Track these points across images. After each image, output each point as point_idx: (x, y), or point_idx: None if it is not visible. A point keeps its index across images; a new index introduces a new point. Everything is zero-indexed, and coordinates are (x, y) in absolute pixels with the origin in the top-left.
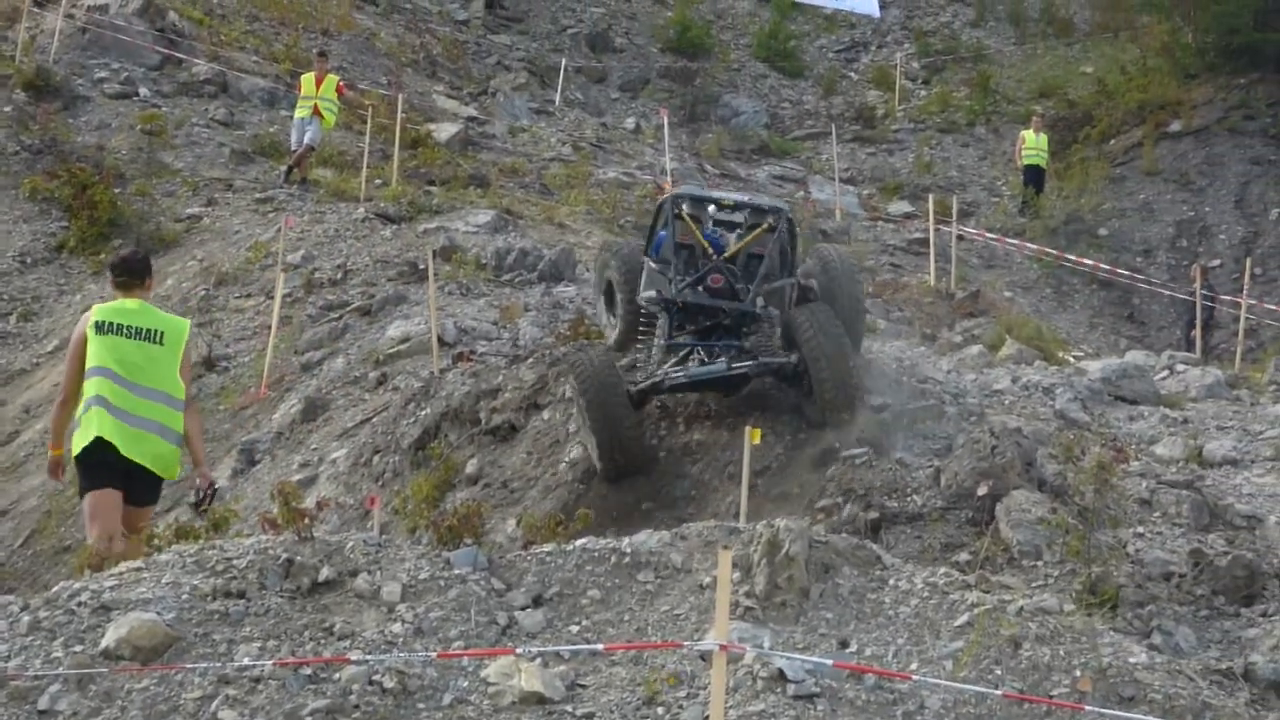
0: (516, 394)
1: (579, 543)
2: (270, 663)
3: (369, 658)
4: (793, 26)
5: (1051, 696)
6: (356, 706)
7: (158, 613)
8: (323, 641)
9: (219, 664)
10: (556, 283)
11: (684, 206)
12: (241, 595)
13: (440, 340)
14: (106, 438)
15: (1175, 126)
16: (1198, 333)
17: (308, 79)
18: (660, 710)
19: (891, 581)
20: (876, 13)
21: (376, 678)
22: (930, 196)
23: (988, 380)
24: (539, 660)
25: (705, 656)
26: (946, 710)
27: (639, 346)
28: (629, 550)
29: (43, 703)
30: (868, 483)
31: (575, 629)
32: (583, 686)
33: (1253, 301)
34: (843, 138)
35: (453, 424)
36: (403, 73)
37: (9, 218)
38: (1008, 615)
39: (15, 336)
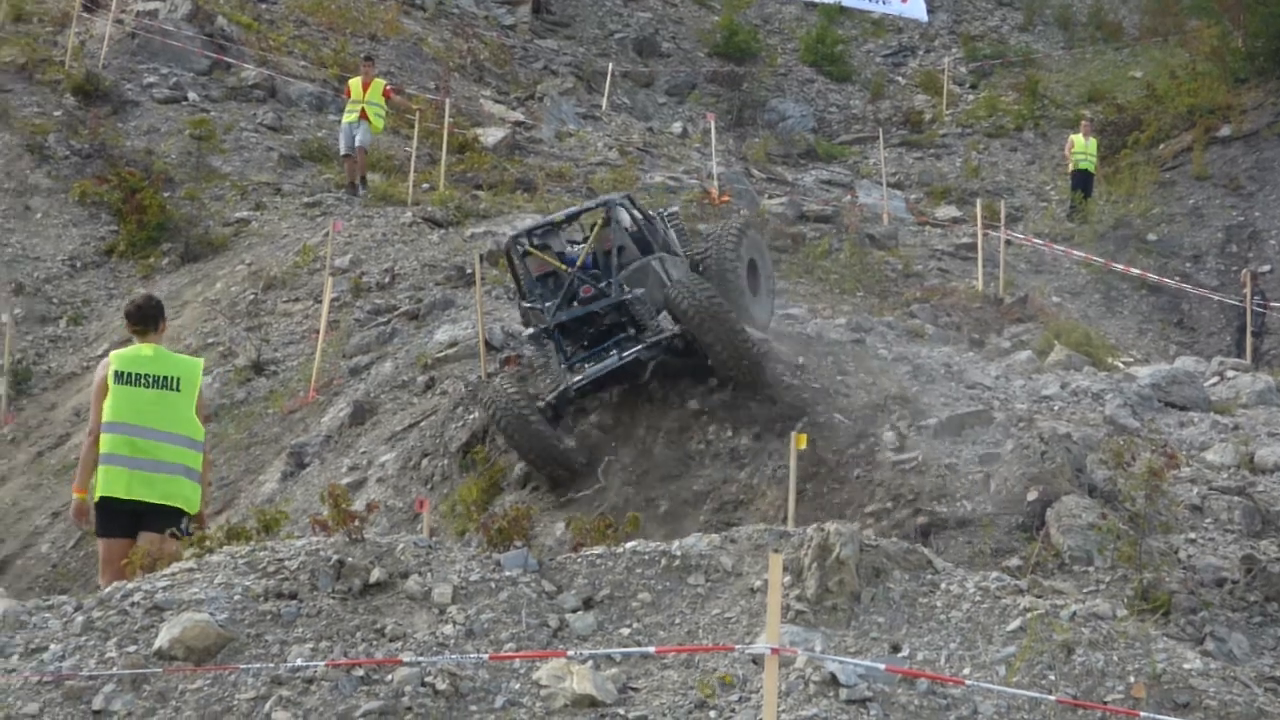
0: None
1: (629, 545)
2: (323, 664)
3: (421, 659)
4: (840, 31)
5: (1105, 702)
6: (409, 708)
7: (210, 613)
8: (375, 643)
9: (272, 665)
10: None
11: (524, 243)
12: (293, 596)
13: (487, 344)
14: (120, 496)
15: (1225, 131)
16: (1247, 338)
17: (355, 83)
18: (712, 714)
19: (943, 586)
20: (924, 17)
21: (429, 679)
22: (978, 201)
23: (1036, 386)
24: (590, 663)
25: (757, 660)
26: (1000, 716)
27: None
28: (679, 553)
29: (97, 703)
30: (917, 488)
31: (626, 631)
32: (634, 689)
33: None
34: (890, 142)
35: None
36: (450, 77)
37: (59, 222)
38: (1060, 620)
39: (65, 340)
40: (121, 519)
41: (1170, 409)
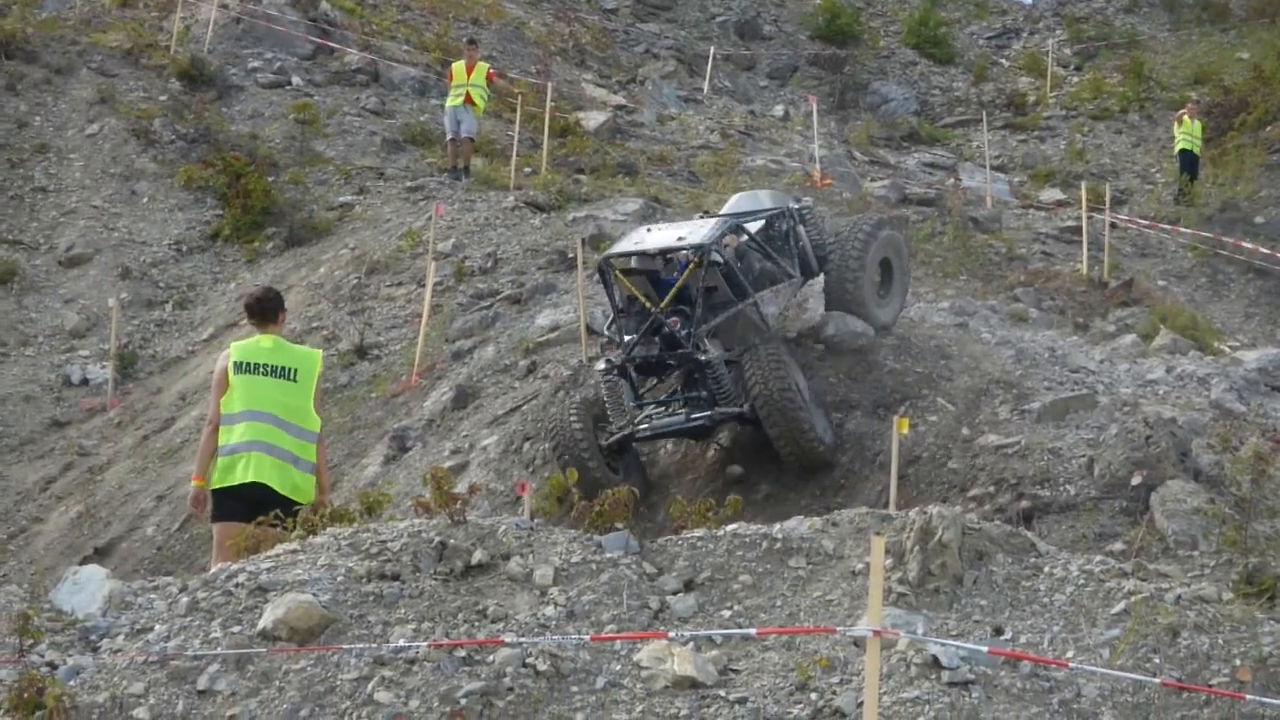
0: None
1: (729, 528)
2: (425, 644)
3: (522, 640)
4: (943, 13)
5: (1211, 685)
6: (510, 689)
7: (313, 594)
8: (476, 624)
9: (374, 645)
10: None
11: (615, 265)
12: (396, 578)
13: (589, 329)
14: (252, 480)
15: None
16: None
17: (458, 67)
18: (813, 696)
19: (1046, 569)
20: None
21: (530, 660)
22: (1083, 184)
23: (1141, 370)
24: (691, 644)
25: (858, 642)
26: (1104, 698)
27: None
28: (780, 536)
29: (201, 682)
30: (1019, 472)
31: (727, 614)
32: (735, 671)
33: None
34: (994, 125)
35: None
36: (551, 61)
37: (165, 206)
38: (1165, 604)
39: (171, 324)
40: (238, 505)
41: (1277, 393)
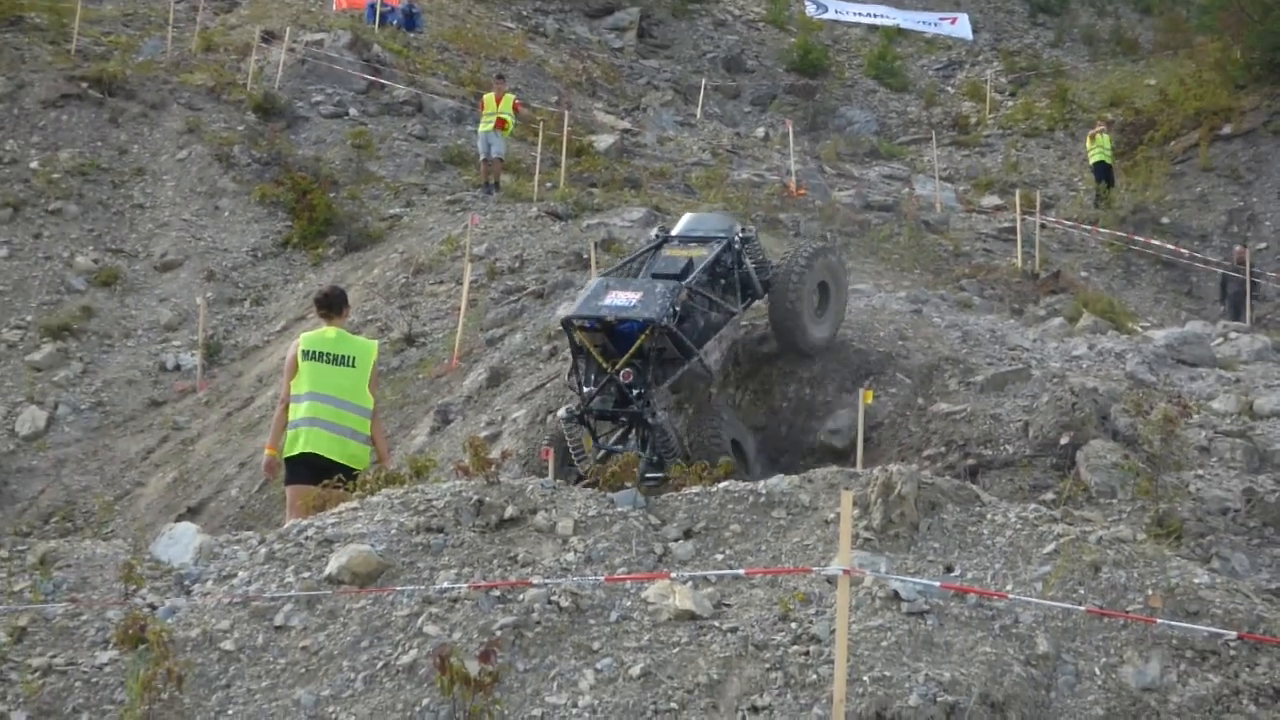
0: None
1: (721, 485)
2: (466, 586)
3: (548, 581)
4: (898, 49)
5: (1127, 611)
6: (538, 622)
7: (371, 545)
8: (509, 568)
9: (423, 587)
10: None
11: (575, 325)
12: (440, 530)
13: None
14: (311, 451)
15: (1227, 130)
16: (1246, 303)
17: (489, 97)
18: (794, 625)
19: (989, 516)
20: (970, 36)
21: (554, 598)
22: (1017, 191)
23: (1068, 348)
24: (690, 583)
25: (831, 580)
26: (1038, 624)
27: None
28: (764, 491)
29: (278, 619)
30: (966, 435)
31: (720, 557)
32: (727, 605)
33: None
34: (941, 142)
35: None
36: (568, 93)
37: (243, 219)
38: (1089, 544)
39: (249, 318)
40: (305, 471)
41: (1182, 366)
